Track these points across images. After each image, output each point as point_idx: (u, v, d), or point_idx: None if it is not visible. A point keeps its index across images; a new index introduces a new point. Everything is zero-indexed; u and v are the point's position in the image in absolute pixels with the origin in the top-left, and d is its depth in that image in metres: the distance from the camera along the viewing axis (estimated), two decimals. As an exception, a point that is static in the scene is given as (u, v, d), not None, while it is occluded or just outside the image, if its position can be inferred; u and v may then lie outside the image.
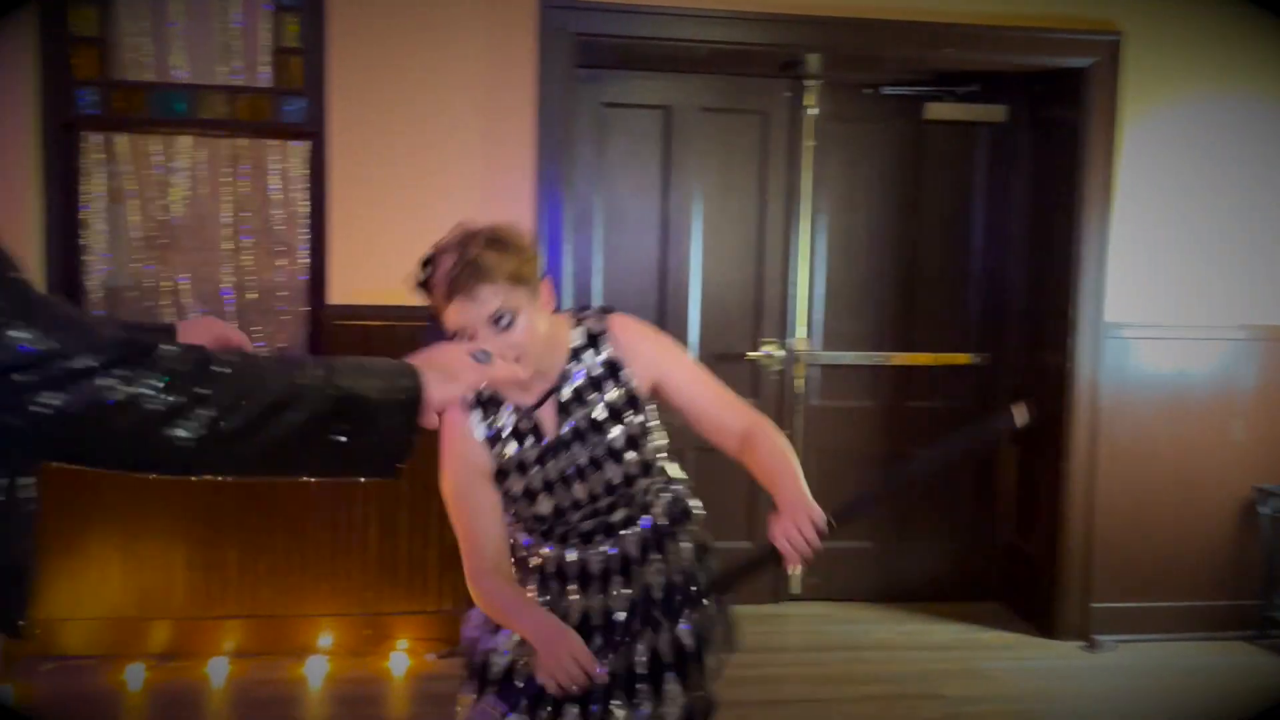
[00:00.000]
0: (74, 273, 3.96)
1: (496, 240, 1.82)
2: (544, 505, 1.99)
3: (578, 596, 2.04)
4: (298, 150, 4.04)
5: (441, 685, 3.75)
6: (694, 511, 2.17)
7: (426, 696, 3.69)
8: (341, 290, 3.93)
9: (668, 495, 2.11)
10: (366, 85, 3.86)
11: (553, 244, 3.97)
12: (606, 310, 2.03)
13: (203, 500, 3.86)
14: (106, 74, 3.90)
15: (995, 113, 4.57)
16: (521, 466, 1.97)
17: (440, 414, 1.35)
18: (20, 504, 1.23)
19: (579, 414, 1.97)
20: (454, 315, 1.79)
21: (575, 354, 1.98)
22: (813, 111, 4.44)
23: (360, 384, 1.24)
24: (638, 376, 1.99)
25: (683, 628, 2.01)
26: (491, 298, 1.78)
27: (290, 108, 3.97)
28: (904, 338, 4.65)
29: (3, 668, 3.44)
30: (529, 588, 2.05)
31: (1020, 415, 1.89)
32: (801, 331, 4.56)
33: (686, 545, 2.10)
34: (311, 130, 3.94)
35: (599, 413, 1.97)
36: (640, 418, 2.00)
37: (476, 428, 1.99)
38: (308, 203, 4.02)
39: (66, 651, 3.83)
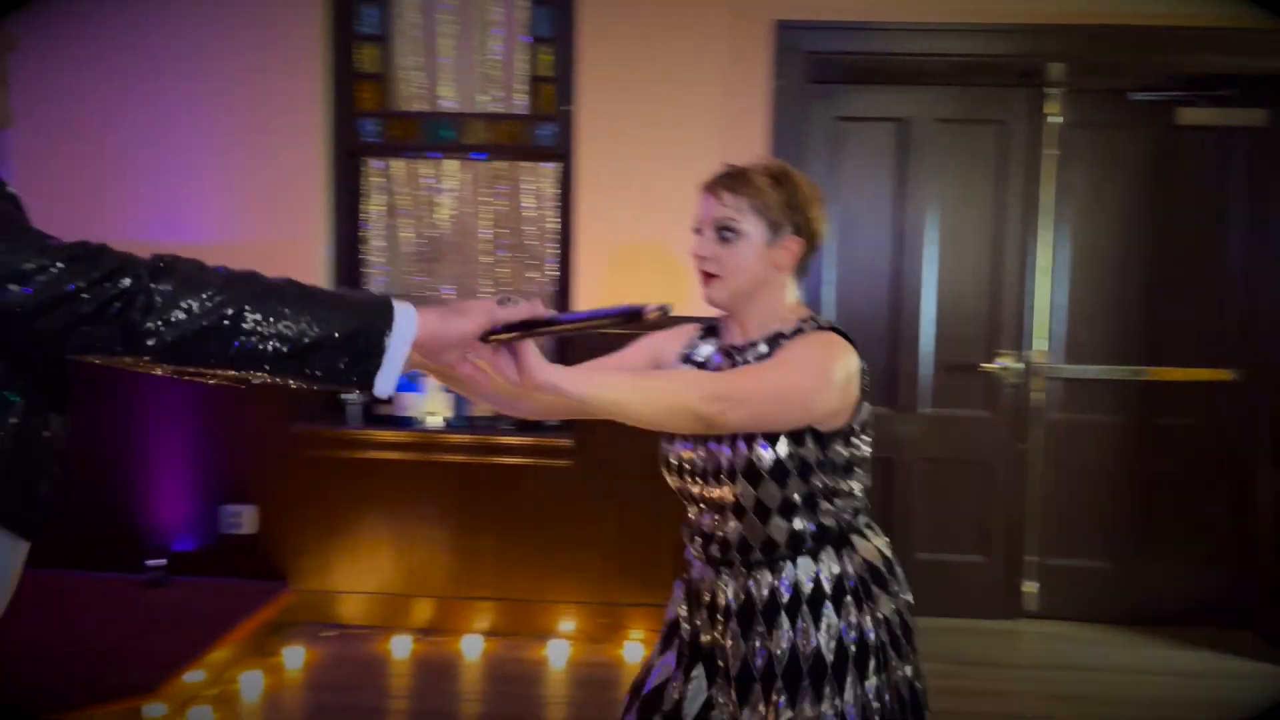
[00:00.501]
0: (356, 282, 4.43)
1: (776, 172, 1.82)
2: (671, 480, 1.93)
3: (688, 619, 1.96)
4: (549, 171, 4.36)
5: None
6: (868, 589, 1.84)
7: (658, 685, 3.90)
8: (586, 300, 4.20)
9: (831, 560, 1.83)
10: (611, 110, 4.13)
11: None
12: (828, 327, 1.83)
13: (463, 491, 4.23)
14: (385, 106, 4.35)
15: (1254, 116, 4.33)
16: None
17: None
18: (47, 441, 1.42)
19: None
20: (699, 205, 1.85)
21: (777, 337, 1.85)
22: (1055, 120, 4.37)
23: (322, 327, 1.33)
24: None
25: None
26: (729, 207, 1.80)
27: (543, 132, 4.29)
28: (1152, 352, 4.48)
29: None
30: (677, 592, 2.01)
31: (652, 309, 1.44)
32: (1040, 344, 4.48)
33: (832, 622, 1.80)
34: (561, 152, 4.25)
35: None
36: (802, 451, 1.77)
37: (687, 343, 1.98)
38: (558, 219, 4.34)
39: (344, 620, 4.30)
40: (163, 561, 4.26)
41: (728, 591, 1.86)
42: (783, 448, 1.76)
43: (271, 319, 1.31)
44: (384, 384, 1.39)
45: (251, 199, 4.26)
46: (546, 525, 4.24)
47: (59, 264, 1.24)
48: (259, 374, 1.34)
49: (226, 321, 1.29)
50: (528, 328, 1.46)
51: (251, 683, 3.69)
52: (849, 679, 1.77)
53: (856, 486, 1.86)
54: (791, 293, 1.88)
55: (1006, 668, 4.12)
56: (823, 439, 1.78)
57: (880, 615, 1.82)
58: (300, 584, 4.32)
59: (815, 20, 4.03)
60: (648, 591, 4.19)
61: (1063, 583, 4.55)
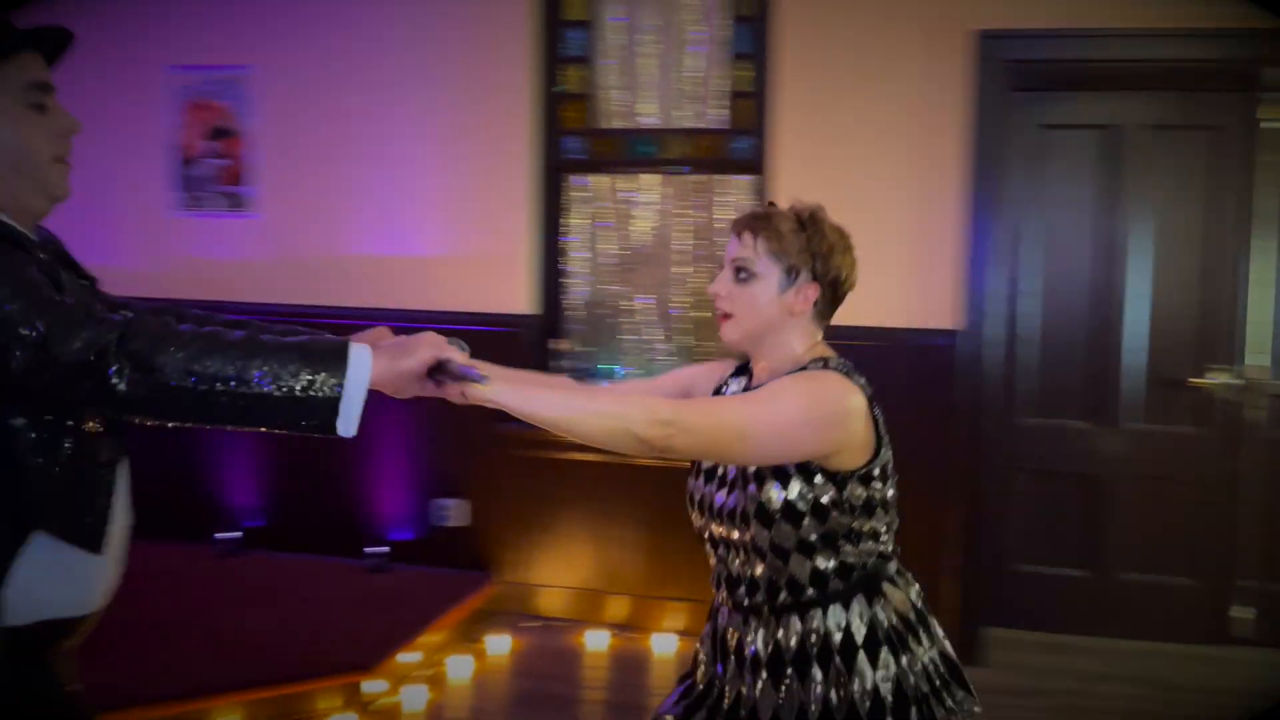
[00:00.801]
0: (557, 292, 4.66)
1: (802, 217, 1.83)
2: (695, 518, 1.93)
3: (709, 666, 1.95)
4: (745, 184, 4.47)
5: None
6: (903, 639, 1.79)
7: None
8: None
9: (863, 608, 1.78)
10: (807, 123, 4.20)
11: (979, 264, 4.08)
12: (835, 367, 1.80)
13: (657, 494, 4.38)
14: (588, 124, 4.56)
15: None
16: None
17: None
18: (103, 463, 1.56)
19: None
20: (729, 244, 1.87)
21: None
22: (1271, 125, 4.16)
23: (282, 384, 1.39)
24: None
25: None
26: (748, 247, 1.81)
27: (740, 145, 4.40)
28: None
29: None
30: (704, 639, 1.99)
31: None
32: (1257, 358, 4.27)
33: (866, 672, 1.75)
34: (758, 165, 4.35)
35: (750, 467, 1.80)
36: (814, 492, 1.74)
37: (720, 378, 1.99)
38: (752, 230, 4.44)
39: (544, 613, 4.53)
40: (383, 549, 4.60)
41: (757, 640, 1.82)
42: (794, 488, 1.74)
43: (235, 374, 1.38)
44: (345, 426, 1.44)
45: (463, 215, 4.55)
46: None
47: (39, 327, 1.34)
48: (229, 425, 1.42)
49: (193, 379, 1.36)
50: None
51: (459, 666, 3.95)
52: None
53: (881, 529, 1.81)
54: (811, 336, 1.86)
55: (1213, 694, 3.96)
56: (836, 479, 1.74)
57: (920, 665, 1.78)
58: (504, 576, 4.58)
59: (1016, 28, 3.99)
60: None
61: (1275, 606, 4.32)
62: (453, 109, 4.53)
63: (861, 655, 1.75)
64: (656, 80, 4.54)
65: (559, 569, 4.55)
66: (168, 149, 4.85)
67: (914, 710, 1.74)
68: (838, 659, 1.76)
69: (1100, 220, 4.35)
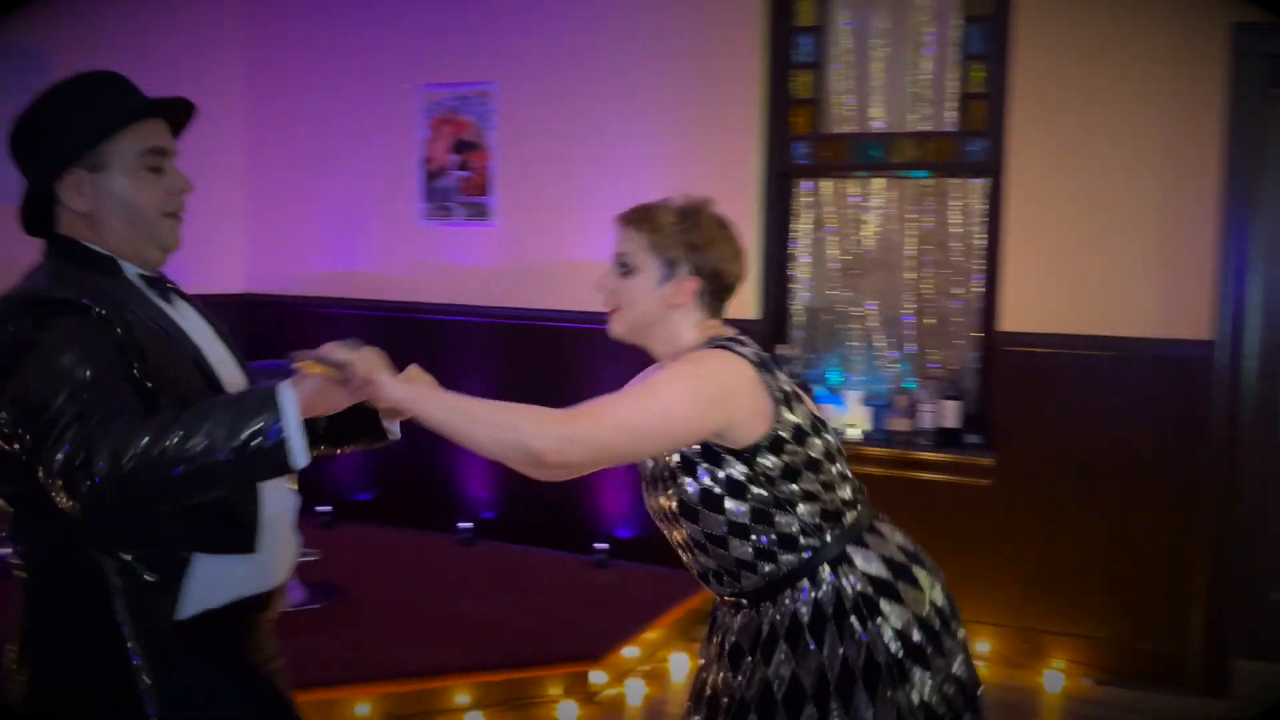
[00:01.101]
0: (782, 297, 4.67)
1: (685, 210, 1.85)
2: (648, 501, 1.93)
3: (701, 657, 1.97)
4: (977, 187, 4.35)
5: (1096, 711, 3.81)
6: (873, 605, 1.77)
7: (1077, 719, 3.77)
8: (1013, 318, 4.14)
9: (826, 580, 1.77)
10: (1045, 123, 4.04)
11: (1236, 271, 3.81)
12: (713, 344, 1.80)
13: (877, 504, 4.31)
14: (817, 129, 4.55)
15: None
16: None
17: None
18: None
19: None
20: None
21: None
22: None
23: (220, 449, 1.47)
24: None
25: None
26: (627, 242, 1.85)
27: (973, 148, 4.29)
28: None
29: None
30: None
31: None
32: None
33: (833, 643, 1.74)
34: (991, 168, 4.22)
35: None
36: (724, 471, 1.74)
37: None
38: (984, 235, 4.31)
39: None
40: (605, 546, 4.74)
41: (734, 628, 1.85)
42: (704, 476, 1.74)
43: (187, 449, 1.46)
44: (298, 459, 1.52)
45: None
46: (963, 544, 4.22)
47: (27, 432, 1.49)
48: (198, 495, 1.53)
49: (152, 466, 1.45)
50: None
51: (680, 664, 4.02)
52: (857, 700, 1.71)
53: (816, 489, 1.77)
54: (699, 328, 1.85)
55: None
56: (743, 455, 1.73)
57: (894, 628, 1.75)
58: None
59: (1277, 20, 3.71)
60: (1072, 619, 4.05)
61: None
62: (682, 117, 4.63)
63: (831, 626, 1.75)
64: (886, 84, 4.48)
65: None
66: (418, 162, 5.18)
67: (884, 679, 1.72)
68: (807, 633, 1.75)
69: (1380, 222, 3.97)
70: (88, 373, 1.50)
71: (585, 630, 4.05)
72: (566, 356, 4.84)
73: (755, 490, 1.75)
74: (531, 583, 4.57)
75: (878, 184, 4.57)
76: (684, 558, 1.90)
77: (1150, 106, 3.90)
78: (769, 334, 4.62)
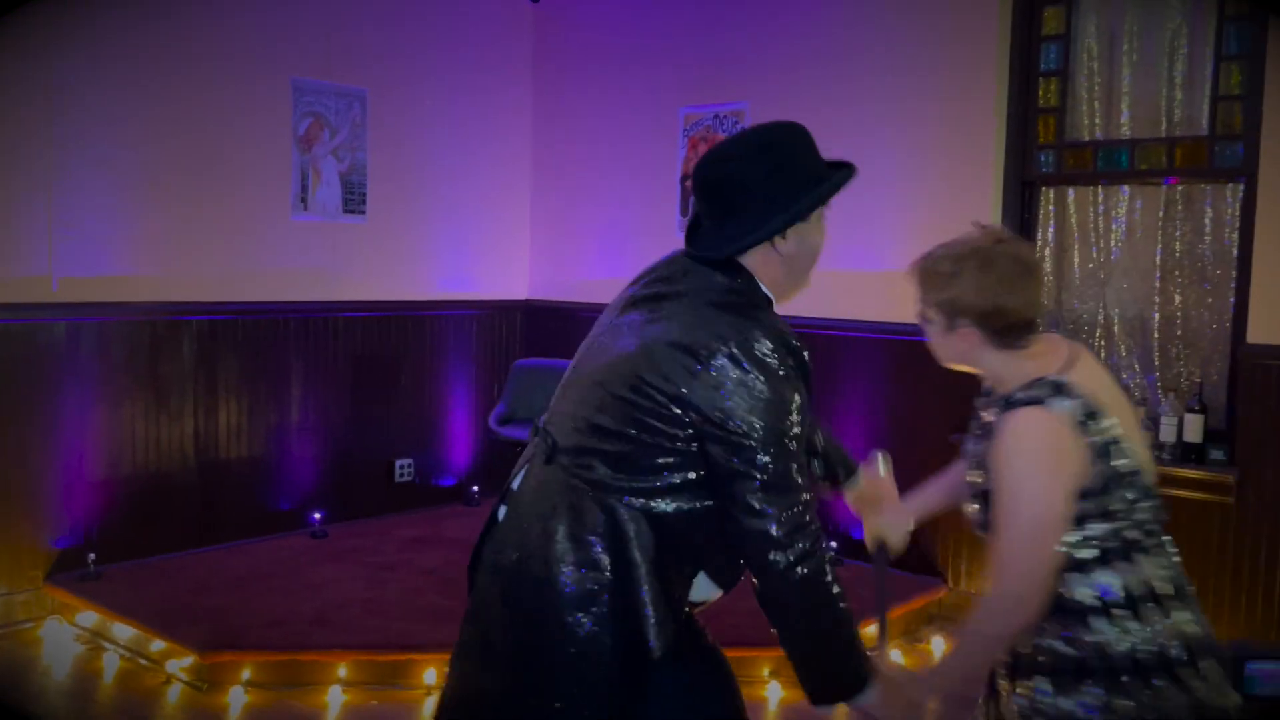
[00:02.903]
0: (1024, 307, 4.66)
1: (953, 260, 1.89)
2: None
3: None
4: (1229, 192, 4.17)
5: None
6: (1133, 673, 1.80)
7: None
8: (1262, 329, 3.95)
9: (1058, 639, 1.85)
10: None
11: None
12: (1030, 400, 1.83)
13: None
14: (1062, 136, 4.52)
15: None
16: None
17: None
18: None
19: (971, 467, 2.01)
20: None
21: (1006, 402, 1.89)
22: None
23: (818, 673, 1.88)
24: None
25: None
26: (919, 299, 1.96)
27: (1225, 152, 4.12)
28: None
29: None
30: None
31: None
32: None
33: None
34: (1245, 172, 4.04)
35: (985, 482, 1.92)
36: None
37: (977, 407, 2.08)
38: (1236, 243, 4.13)
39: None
40: (833, 545, 4.92)
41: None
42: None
43: (835, 614, 1.84)
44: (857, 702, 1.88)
45: (927, 229, 4.69)
46: (1201, 563, 4.05)
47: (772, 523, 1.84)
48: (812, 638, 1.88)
49: (825, 613, 1.83)
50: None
51: (896, 659, 4.14)
52: None
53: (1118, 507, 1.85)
54: (1008, 360, 1.90)
55: None
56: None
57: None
58: (959, 584, 4.67)
59: None
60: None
61: None
62: (922, 126, 4.73)
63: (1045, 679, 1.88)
64: (1133, 88, 4.38)
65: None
66: (677, 178, 5.59)
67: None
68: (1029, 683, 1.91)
69: None
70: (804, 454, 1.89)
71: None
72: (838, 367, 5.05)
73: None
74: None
75: (1124, 191, 4.47)
76: None
77: None
78: (1006, 342, 4.62)
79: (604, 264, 5.95)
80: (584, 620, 1.82)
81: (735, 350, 1.78)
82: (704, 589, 1.99)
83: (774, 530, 1.78)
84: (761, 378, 1.77)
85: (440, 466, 5.88)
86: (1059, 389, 1.82)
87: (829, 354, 4.96)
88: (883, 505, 2.25)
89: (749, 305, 1.86)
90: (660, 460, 1.83)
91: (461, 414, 5.93)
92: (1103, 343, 4.53)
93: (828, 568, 1.82)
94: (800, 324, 5.19)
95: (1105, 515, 1.81)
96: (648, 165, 5.72)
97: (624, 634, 1.84)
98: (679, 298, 1.89)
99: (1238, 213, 4.13)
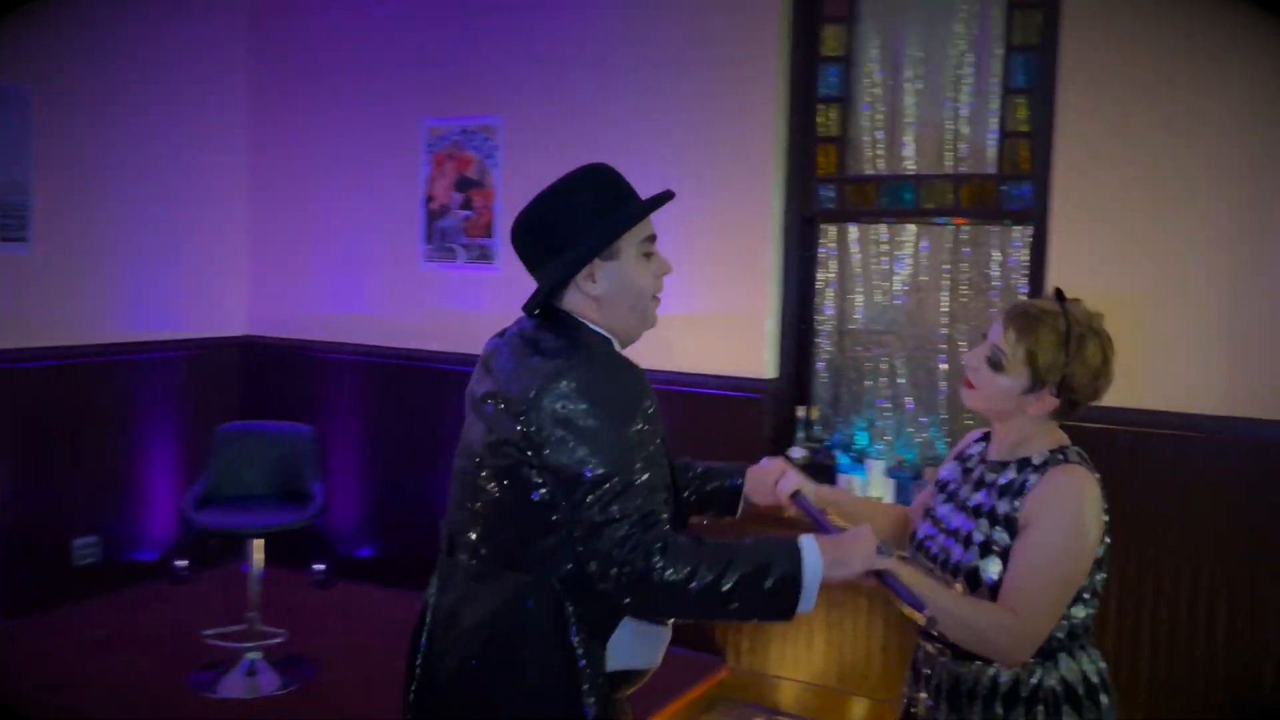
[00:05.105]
0: (804, 354, 4.26)
1: (1069, 334, 1.86)
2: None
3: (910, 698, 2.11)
4: (1018, 234, 3.90)
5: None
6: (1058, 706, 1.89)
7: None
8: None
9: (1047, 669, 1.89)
10: (1096, 166, 3.58)
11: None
12: (1067, 459, 1.89)
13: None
14: (843, 170, 4.14)
15: None
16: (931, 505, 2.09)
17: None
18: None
19: (965, 513, 1.96)
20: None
21: (1025, 464, 1.92)
22: None
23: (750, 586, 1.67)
24: (1021, 522, 1.86)
25: None
26: (1007, 344, 1.89)
27: (1014, 192, 3.84)
28: None
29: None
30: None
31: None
32: None
33: None
34: (1034, 213, 3.77)
35: (980, 532, 1.91)
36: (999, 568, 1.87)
37: (971, 442, 2.13)
38: (1026, 286, 3.86)
39: (776, 705, 4.13)
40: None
41: (938, 674, 1.99)
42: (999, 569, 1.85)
43: (718, 589, 1.66)
44: (806, 608, 1.71)
45: (700, 270, 4.23)
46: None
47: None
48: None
49: (694, 584, 1.65)
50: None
51: None
52: None
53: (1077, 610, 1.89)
54: (1051, 430, 1.94)
55: None
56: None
57: None
58: (739, 662, 4.22)
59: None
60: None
61: None
62: (695, 158, 4.25)
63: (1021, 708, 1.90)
64: (919, 120, 4.06)
65: (794, 662, 4.13)
66: (420, 200, 4.88)
67: None
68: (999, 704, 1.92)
69: None
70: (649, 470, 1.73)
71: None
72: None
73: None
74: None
75: (909, 230, 4.14)
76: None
77: (1223, 149, 3.41)
78: (788, 394, 4.22)
79: (339, 296, 5.16)
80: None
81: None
82: (627, 643, 1.85)
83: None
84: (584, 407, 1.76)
85: (136, 539, 4.93)
86: (1085, 461, 1.90)
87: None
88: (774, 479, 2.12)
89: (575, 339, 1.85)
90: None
91: (164, 474, 5.00)
92: (887, 393, 4.19)
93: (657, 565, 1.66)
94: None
95: (1088, 596, 1.88)
96: (387, 186, 4.99)
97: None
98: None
99: (1029, 255, 3.86)
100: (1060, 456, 1.89)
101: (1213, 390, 3.45)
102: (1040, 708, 1.86)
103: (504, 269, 4.66)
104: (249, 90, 5.33)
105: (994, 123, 3.90)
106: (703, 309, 4.24)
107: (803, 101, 4.16)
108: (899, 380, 4.17)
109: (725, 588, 1.64)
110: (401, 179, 4.94)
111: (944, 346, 4.08)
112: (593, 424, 1.70)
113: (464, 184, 4.76)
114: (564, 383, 1.72)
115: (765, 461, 2.13)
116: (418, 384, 4.91)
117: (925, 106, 4.05)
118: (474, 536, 1.85)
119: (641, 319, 1.91)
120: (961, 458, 2.10)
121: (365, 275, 5.09)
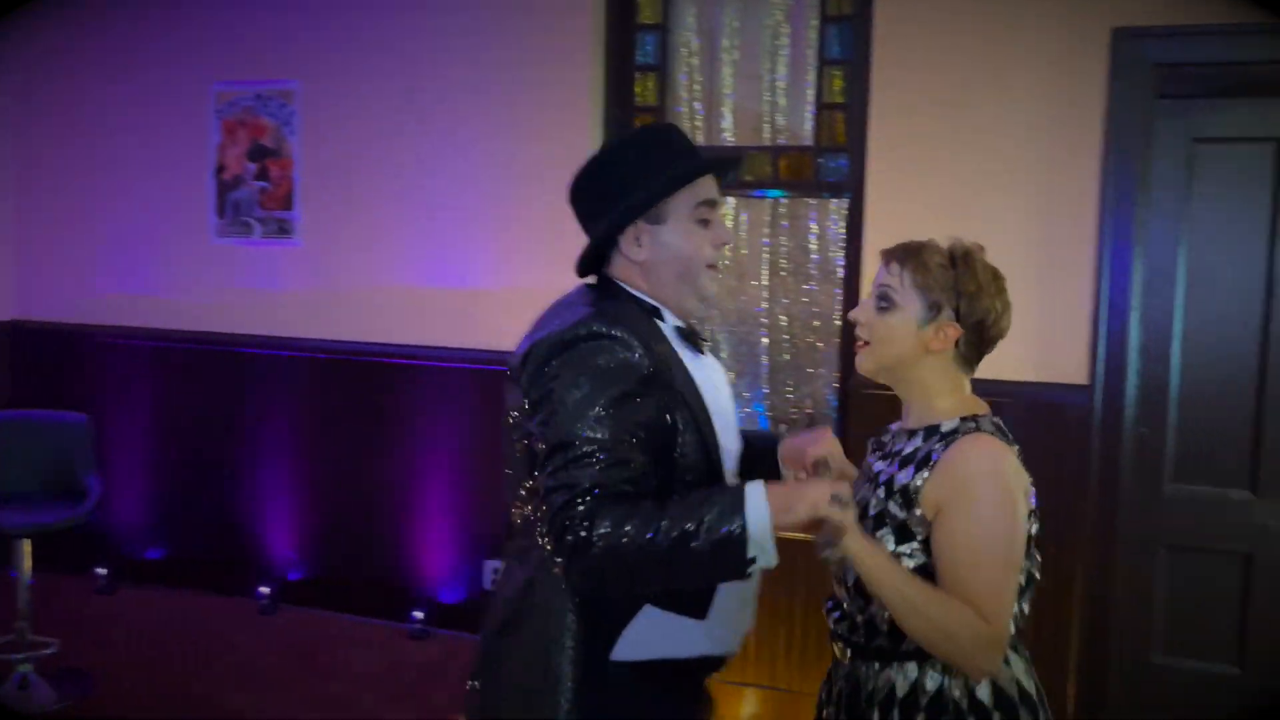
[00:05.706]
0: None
1: (956, 254, 1.77)
2: None
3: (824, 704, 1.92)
4: (836, 207, 3.89)
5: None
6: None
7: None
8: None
9: (938, 674, 1.70)
10: (910, 137, 3.60)
11: (1116, 307, 3.43)
12: (979, 428, 1.72)
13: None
14: (660, 140, 4.04)
15: None
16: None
17: None
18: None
19: (869, 489, 1.79)
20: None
21: (933, 431, 1.75)
22: None
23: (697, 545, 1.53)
24: (926, 498, 1.69)
25: None
26: (893, 277, 1.76)
27: (831, 164, 3.84)
28: None
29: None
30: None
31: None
32: None
33: None
34: (851, 186, 3.77)
35: (875, 505, 1.75)
36: (906, 547, 1.70)
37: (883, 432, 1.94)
38: (843, 259, 3.86)
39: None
40: (419, 615, 4.15)
41: (840, 678, 1.84)
42: (910, 559, 1.68)
43: (654, 546, 1.52)
44: (765, 561, 1.57)
45: (519, 241, 4.06)
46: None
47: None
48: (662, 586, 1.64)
49: (631, 544, 1.53)
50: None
51: None
52: None
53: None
54: (952, 381, 1.78)
55: None
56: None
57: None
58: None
59: (1164, 25, 3.33)
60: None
61: None
62: (510, 120, 4.07)
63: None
64: (737, 91, 4.00)
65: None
66: (210, 170, 4.52)
67: None
68: (896, 713, 1.72)
69: (1265, 252, 3.63)
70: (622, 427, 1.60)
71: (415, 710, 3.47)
72: (382, 394, 4.24)
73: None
74: (335, 665, 3.95)
75: (729, 204, 4.08)
76: (836, 582, 1.87)
77: (1024, 120, 3.49)
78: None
79: (121, 276, 4.73)
80: None
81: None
82: (666, 631, 1.74)
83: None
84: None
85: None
86: (1001, 431, 1.74)
87: (400, 384, 4.19)
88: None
89: (615, 305, 1.74)
90: None
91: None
92: (710, 369, 4.12)
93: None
94: (359, 350, 4.47)
95: (1024, 584, 1.72)
96: (171, 155, 4.59)
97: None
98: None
99: (846, 228, 3.85)
100: (972, 424, 1.72)
101: (1023, 358, 3.52)
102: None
103: (305, 243, 4.36)
104: (10, 50, 4.81)
105: (811, 94, 3.88)
106: (527, 285, 4.05)
107: (619, 70, 4.04)
108: (721, 355, 4.11)
109: (665, 545, 1.51)
110: (189, 148, 4.56)
111: (765, 321, 4.04)
112: (556, 387, 1.61)
113: (259, 153, 4.42)
114: (544, 346, 1.64)
115: (809, 432, 1.91)
116: (213, 369, 4.55)
117: (742, 78, 4.00)
118: (514, 512, 1.78)
119: (693, 290, 1.77)
120: (880, 439, 1.95)
121: (150, 254, 4.67)
